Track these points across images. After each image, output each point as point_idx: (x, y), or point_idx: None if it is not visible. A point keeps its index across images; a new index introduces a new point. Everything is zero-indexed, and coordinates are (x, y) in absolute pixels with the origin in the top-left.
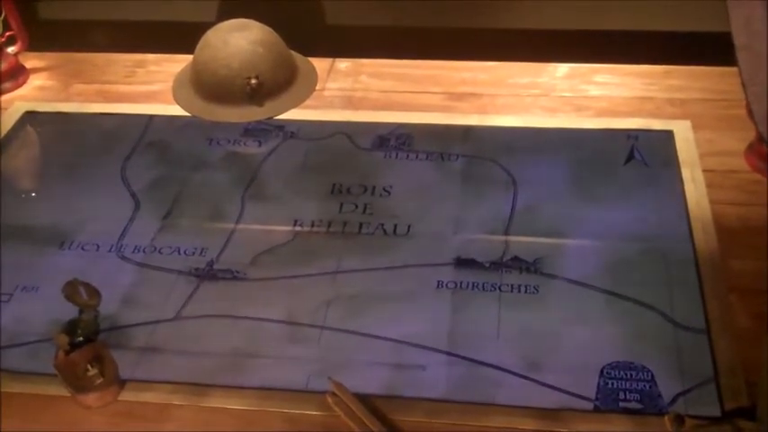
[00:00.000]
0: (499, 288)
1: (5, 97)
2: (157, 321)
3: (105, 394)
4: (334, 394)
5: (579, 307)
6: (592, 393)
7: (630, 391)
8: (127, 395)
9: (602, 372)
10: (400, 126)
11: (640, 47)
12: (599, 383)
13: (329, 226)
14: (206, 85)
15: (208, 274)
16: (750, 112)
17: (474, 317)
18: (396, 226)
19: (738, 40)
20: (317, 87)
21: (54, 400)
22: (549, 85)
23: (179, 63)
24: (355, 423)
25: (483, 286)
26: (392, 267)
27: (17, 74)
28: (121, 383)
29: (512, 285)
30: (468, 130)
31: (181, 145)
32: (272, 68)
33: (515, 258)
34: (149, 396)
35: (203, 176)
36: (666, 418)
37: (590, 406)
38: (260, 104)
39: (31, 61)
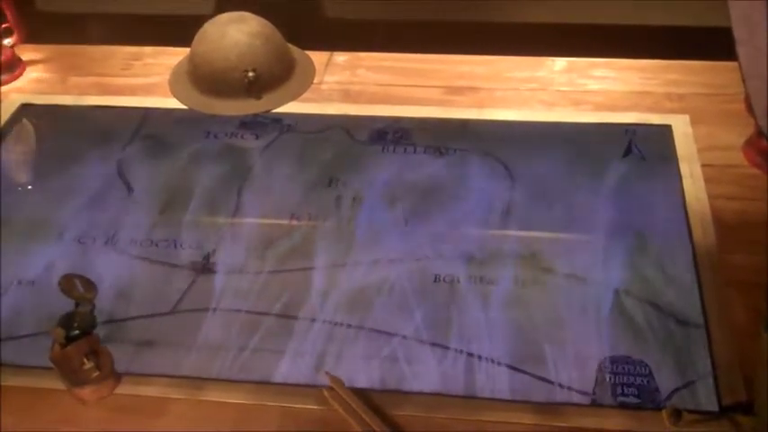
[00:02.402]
0: (497, 282)
1: (2, 89)
2: (154, 315)
3: (101, 388)
4: (331, 389)
5: (576, 301)
6: (589, 388)
7: (628, 386)
8: (123, 389)
9: (599, 366)
10: (398, 120)
11: (639, 41)
12: (596, 378)
13: (326, 219)
14: (203, 78)
15: (204, 267)
16: (749, 107)
17: (471, 311)
18: (393, 220)
19: (738, 33)
20: (315, 81)
21: (50, 393)
22: (547, 79)
23: (176, 56)
24: (352, 417)
25: (481, 280)
26: (390, 261)
27: (13, 66)
28: (118, 377)
29: (509, 279)
30: (465, 124)
31: (177, 138)
32: (269, 61)
33: (513, 252)
34: (146, 390)
35: (200, 170)
36: (664, 412)
37: (587, 400)
38: (257, 97)
39: (27, 53)
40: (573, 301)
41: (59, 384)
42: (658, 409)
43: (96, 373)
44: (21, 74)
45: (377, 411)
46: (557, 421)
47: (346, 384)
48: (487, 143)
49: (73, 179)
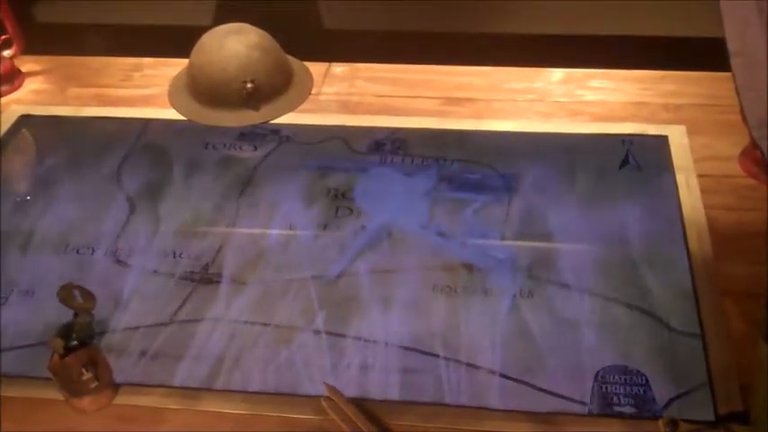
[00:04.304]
0: (494, 292)
1: (1, 101)
2: (152, 325)
3: (100, 398)
4: (329, 398)
5: (573, 311)
6: (586, 397)
7: (625, 396)
8: (121, 399)
9: (596, 376)
10: (396, 130)
11: (636, 52)
12: (593, 387)
13: (324, 230)
14: (202, 90)
15: (203, 277)
16: (744, 117)
17: (469, 320)
18: (391, 230)
19: (732, 45)
20: (313, 92)
21: (48, 403)
22: (544, 89)
23: (175, 67)
24: (350, 427)
25: (478, 290)
26: (387, 271)
27: (13, 77)
28: (116, 387)
29: (506, 289)
30: (463, 135)
31: (176, 149)
32: (267, 73)
33: (510, 262)
34: (144, 400)
35: (199, 180)
36: (660, 422)
37: (584, 410)
38: (256, 109)
39: (26, 65)
40: (569, 311)
41: (58, 395)
42: (655, 418)
43: (95, 384)
44: (20, 85)
45: (374, 421)
46: (553, 431)
47: (344, 394)
48: (485, 154)
49: (72, 190)
